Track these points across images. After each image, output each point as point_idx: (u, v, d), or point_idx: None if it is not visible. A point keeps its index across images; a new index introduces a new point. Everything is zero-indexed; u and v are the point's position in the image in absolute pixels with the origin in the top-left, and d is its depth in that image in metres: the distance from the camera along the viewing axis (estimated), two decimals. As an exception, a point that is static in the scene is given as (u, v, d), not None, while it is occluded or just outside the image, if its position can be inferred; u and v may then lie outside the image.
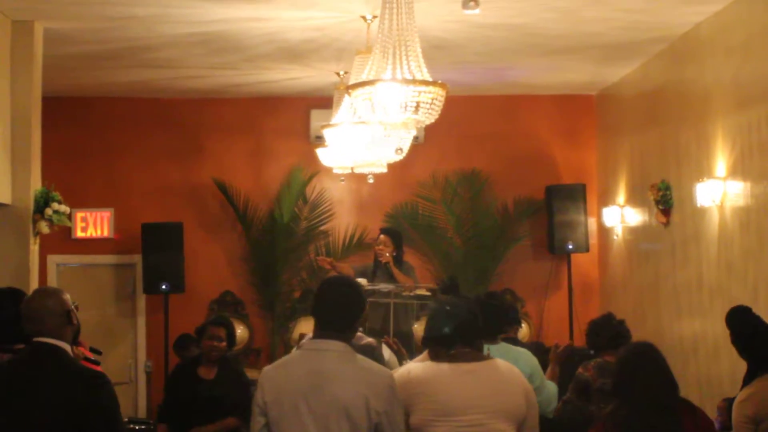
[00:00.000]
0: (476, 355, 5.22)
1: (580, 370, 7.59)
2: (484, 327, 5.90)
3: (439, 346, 5.24)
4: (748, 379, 6.49)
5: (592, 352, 7.96)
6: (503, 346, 6.82)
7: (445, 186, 14.15)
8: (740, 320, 6.70)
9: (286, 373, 4.74)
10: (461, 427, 5.02)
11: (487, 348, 6.37)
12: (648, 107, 12.02)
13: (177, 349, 11.24)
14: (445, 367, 5.15)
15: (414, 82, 6.35)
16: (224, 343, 8.30)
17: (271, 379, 4.75)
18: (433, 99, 6.38)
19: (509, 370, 5.28)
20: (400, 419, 4.77)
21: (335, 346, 4.76)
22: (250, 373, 13.28)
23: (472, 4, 5.55)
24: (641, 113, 12.32)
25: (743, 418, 6.11)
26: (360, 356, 4.85)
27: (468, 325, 5.25)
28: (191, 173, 14.16)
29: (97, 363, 8.22)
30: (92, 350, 8.13)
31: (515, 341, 7.45)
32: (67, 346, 5.23)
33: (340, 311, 4.89)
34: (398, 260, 10.89)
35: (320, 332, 4.86)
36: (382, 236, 11.07)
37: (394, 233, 11.21)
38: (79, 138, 13.94)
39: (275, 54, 11.28)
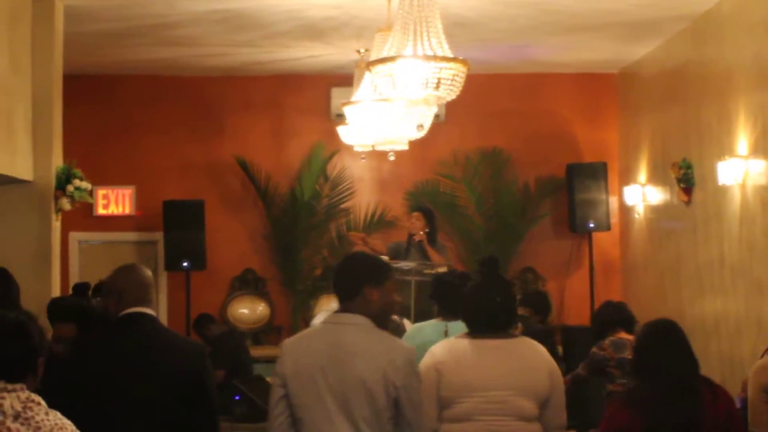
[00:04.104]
0: (502, 332, 5.23)
1: (594, 349, 7.59)
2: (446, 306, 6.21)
3: (472, 325, 5.25)
4: None
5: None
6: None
7: (466, 164, 14.11)
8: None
9: (306, 345, 4.69)
10: (484, 404, 5.03)
11: (445, 325, 6.43)
12: (669, 85, 11.97)
13: (196, 328, 11.27)
14: (469, 343, 5.16)
15: (435, 58, 6.30)
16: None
17: (292, 351, 4.67)
18: (454, 75, 6.34)
19: (534, 348, 5.27)
20: (419, 395, 4.67)
21: (356, 319, 4.66)
22: (272, 351, 13.41)
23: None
24: (663, 91, 12.27)
25: (758, 386, 5.99)
26: (381, 331, 4.76)
27: (504, 309, 5.26)
28: (213, 151, 14.15)
29: None
30: None
31: None
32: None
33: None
34: (432, 239, 10.56)
35: (342, 306, 4.77)
36: (415, 213, 10.79)
37: (427, 211, 10.84)
38: (100, 116, 13.94)
39: (295, 32, 11.27)
